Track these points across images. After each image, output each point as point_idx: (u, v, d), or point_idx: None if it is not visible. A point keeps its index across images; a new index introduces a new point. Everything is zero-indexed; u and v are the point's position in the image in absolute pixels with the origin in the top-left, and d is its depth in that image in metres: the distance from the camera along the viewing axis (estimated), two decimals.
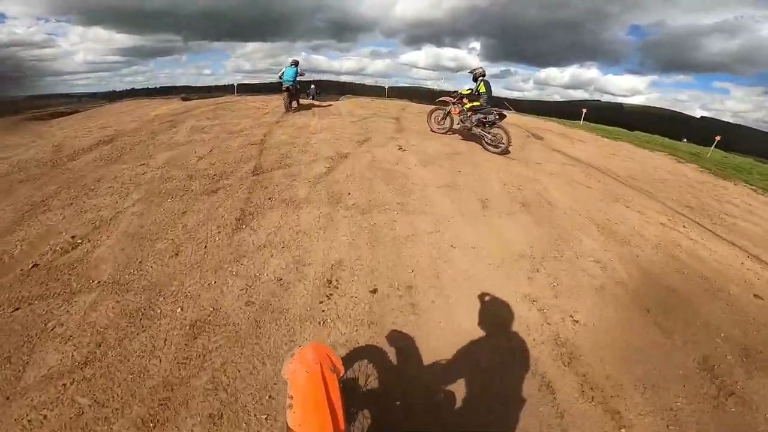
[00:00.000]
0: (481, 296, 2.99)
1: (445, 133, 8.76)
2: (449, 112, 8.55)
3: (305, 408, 1.07)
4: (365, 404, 2.01)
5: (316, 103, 13.43)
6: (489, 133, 7.60)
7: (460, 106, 8.19)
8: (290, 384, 1.16)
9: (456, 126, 8.61)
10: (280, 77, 10.59)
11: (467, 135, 8.38)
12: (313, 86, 16.73)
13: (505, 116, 7.63)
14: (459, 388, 2.19)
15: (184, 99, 15.27)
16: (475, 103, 7.86)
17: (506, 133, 7.45)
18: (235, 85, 18.99)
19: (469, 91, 8.01)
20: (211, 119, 9.19)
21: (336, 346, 2.49)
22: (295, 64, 10.68)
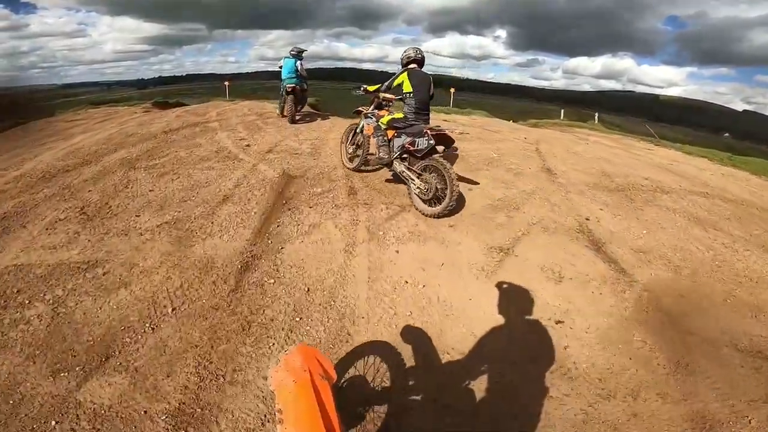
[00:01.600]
0: None
1: (375, 170, 5.03)
2: (362, 131, 4.90)
3: (297, 422, 1.00)
4: (376, 401, 1.95)
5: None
6: (416, 176, 4.02)
7: (373, 119, 4.65)
8: (277, 396, 1.08)
9: (372, 158, 4.87)
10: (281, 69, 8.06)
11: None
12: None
13: (449, 142, 4.06)
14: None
15: (160, 106, 12.39)
16: (396, 115, 4.35)
17: (447, 177, 3.73)
18: (227, 85, 13.74)
19: (376, 87, 4.66)
20: (158, 175, 4.72)
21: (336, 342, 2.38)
22: (297, 54, 8.04)
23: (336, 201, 4.08)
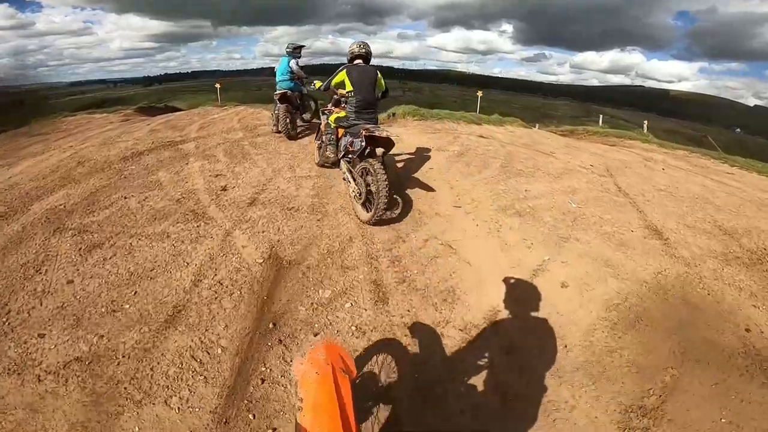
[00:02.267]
0: None
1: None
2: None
3: (315, 411, 1.04)
4: (384, 399, 1.89)
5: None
6: (353, 178, 3.79)
7: (326, 117, 4.59)
8: (300, 385, 1.13)
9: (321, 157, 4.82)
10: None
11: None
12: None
13: (388, 144, 3.70)
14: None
15: (145, 111, 11.49)
16: (341, 114, 4.13)
17: (376, 182, 3.40)
18: (218, 87, 13.01)
19: (320, 85, 4.44)
20: (88, 248, 3.08)
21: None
22: (293, 52, 6.27)
23: (356, 317, 2.44)
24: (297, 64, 6.19)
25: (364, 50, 3.94)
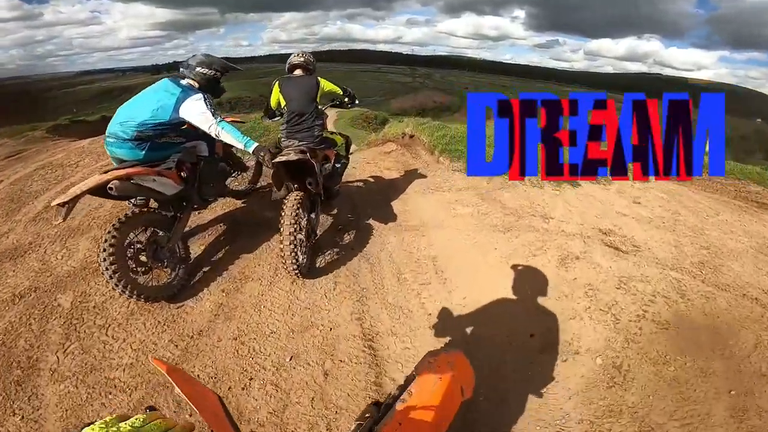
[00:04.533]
0: None
1: None
2: None
3: (415, 413, 1.01)
4: None
5: None
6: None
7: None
8: (416, 381, 1.11)
9: None
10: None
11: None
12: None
13: (306, 170, 2.92)
14: None
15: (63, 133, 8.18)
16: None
17: (286, 225, 2.72)
18: None
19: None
20: None
21: None
22: (207, 77, 2.82)
23: None
24: (208, 103, 2.65)
25: (303, 59, 3.35)
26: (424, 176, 4.92)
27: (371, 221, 3.86)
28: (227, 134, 2.63)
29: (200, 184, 3.00)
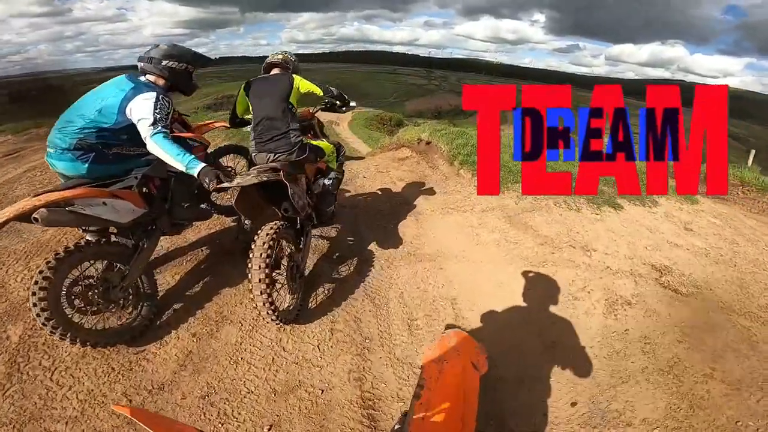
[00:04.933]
0: None
1: None
2: None
3: (433, 402, 0.96)
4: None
5: None
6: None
7: None
8: (424, 371, 1.07)
9: None
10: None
11: None
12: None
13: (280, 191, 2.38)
14: None
15: None
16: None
17: (255, 259, 2.11)
18: None
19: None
20: None
21: None
22: (163, 68, 2.22)
23: None
24: (159, 106, 2.07)
25: (280, 56, 2.83)
26: (442, 192, 4.30)
27: (377, 247, 3.27)
28: (161, 150, 2.02)
29: (172, 204, 2.46)
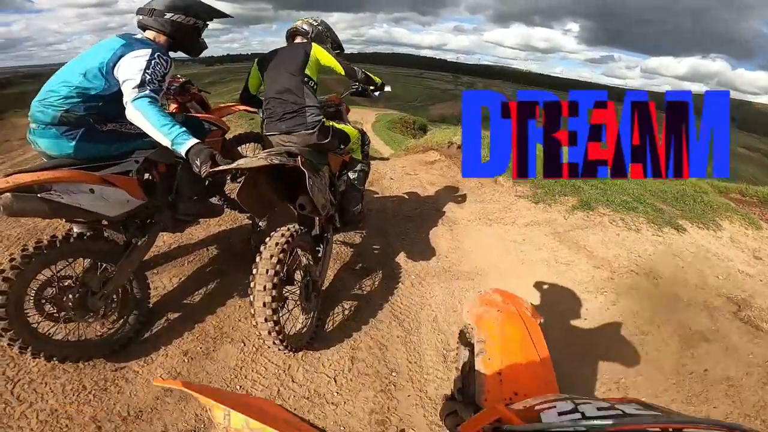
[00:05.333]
0: None
1: None
2: None
3: (504, 349, 0.89)
4: None
5: None
6: None
7: None
8: (478, 328, 0.98)
9: None
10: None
11: None
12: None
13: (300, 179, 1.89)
14: None
15: None
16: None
17: (258, 279, 1.71)
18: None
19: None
20: None
21: None
22: (166, 21, 1.85)
23: None
24: (154, 64, 1.70)
25: (305, 26, 2.41)
26: (478, 200, 3.84)
27: (407, 260, 2.84)
28: (141, 117, 1.62)
29: (177, 196, 2.08)
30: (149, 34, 1.87)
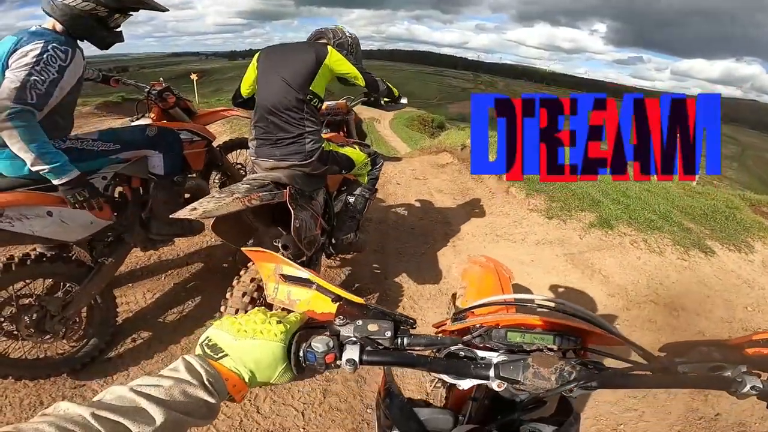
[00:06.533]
0: None
1: None
2: None
3: (480, 292, 1.08)
4: None
5: None
6: None
7: None
8: (462, 277, 1.26)
9: None
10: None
11: None
12: None
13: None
14: None
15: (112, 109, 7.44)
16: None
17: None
18: (194, 80, 10.24)
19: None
20: None
21: None
22: (60, 7, 1.53)
23: None
24: (54, 56, 1.50)
25: (331, 33, 2.04)
26: (487, 212, 3.59)
27: (406, 279, 2.64)
28: (14, 138, 1.36)
29: (150, 215, 1.90)
30: (48, 23, 1.58)
